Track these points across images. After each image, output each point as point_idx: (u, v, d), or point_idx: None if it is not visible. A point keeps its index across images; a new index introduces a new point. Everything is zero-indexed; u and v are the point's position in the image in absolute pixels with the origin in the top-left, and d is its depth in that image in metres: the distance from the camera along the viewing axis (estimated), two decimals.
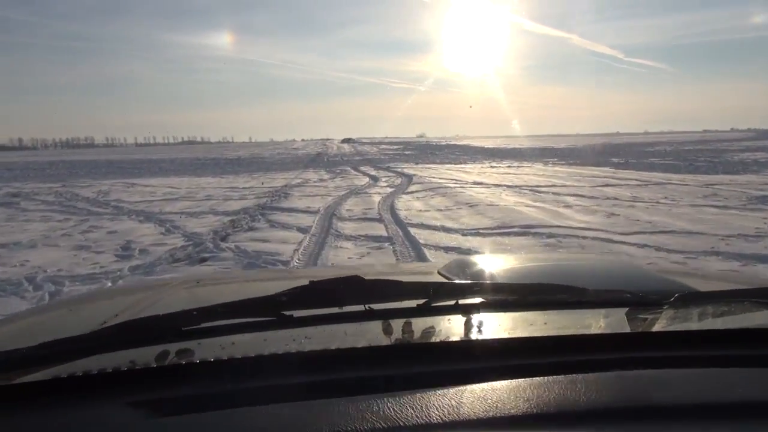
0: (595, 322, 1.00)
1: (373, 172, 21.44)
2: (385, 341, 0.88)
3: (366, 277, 0.97)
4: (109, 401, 0.71)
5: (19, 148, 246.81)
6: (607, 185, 14.37)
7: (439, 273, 1.44)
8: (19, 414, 0.70)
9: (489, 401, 0.67)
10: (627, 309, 1.03)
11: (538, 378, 0.73)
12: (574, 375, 0.73)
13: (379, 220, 9.09)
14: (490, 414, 0.65)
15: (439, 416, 0.64)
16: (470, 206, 10.51)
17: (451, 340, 0.89)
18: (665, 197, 11.45)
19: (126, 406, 0.70)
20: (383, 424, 0.63)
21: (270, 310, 0.93)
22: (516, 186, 14.64)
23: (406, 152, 42.85)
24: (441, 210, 10.16)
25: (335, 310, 0.96)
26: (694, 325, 1.02)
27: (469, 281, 1.22)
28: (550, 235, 7.32)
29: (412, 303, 0.98)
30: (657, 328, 0.97)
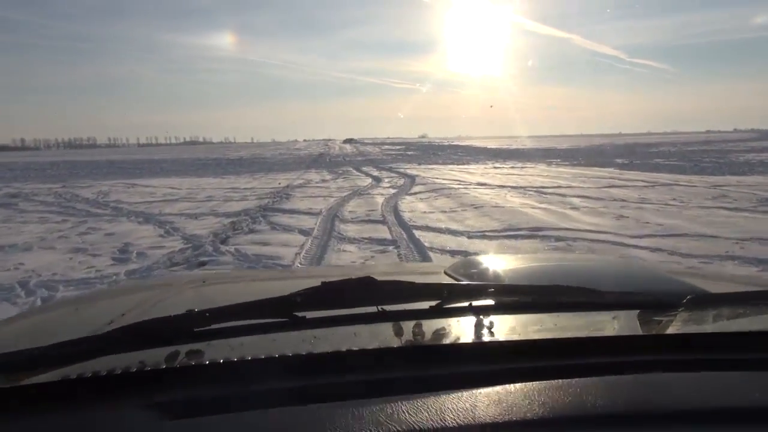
0: (610, 325, 0.99)
1: (375, 173, 21.26)
2: (398, 343, 0.86)
3: (378, 278, 0.96)
4: (121, 403, 0.71)
5: (21, 149, 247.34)
6: (612, 186, 14.17)
7: (445, 273, 1.42)
8: (28, 416, 0.70)
9: (504, 404, 0.67)
10: (641, 311, 1.01)
11: (552, 381, 0.72)
12: (589, 378, 0.73)
13: (383, 222, 8.91)
14: (506, 417, 0.64)
15: (454, 419, 0.63)
16: (475, 208, 10.32)
17: (465, 342, 0.87)
18: (673, 199, 11.25)
19: (138, 408, 0.69)
20: (398, 427, 0.62)
21: (283, 311, 0.92)
22: (520, 187, 14.44)
23: (409, 153, 42.67)
24: (445, 212, 9.97)
25: (348, 311, 0.95)
26: (709, 328, 1.01)
27: (482, 282, 1.20)
28: (559, 239, 7.12)
29: (424, 304, 0.97)
30: (672, 330, 0.95)
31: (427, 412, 0.65)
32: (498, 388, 0.70)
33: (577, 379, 0.72)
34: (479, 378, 0.73)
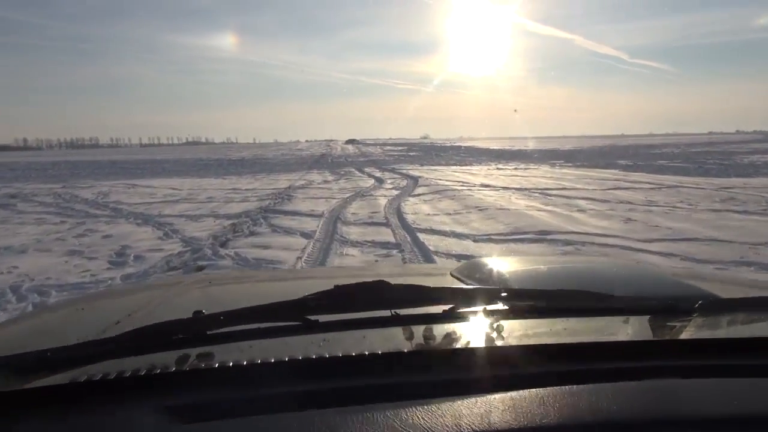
0: (622, 330, 0.99)
1: (378, 174, 21.07)
2: (412, 347, 0.86)
3: (390, 281, 0.95)
4: (132, 407, 0.70)
5: (23, 148, 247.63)
6: (618, 188, 13.99)
7: (452, 275, 1.41)
8: (39, 419, 0.69)
9: (518, 410, 0.66)
10: (653, 316, 1.01)
11: (566, 387, 0.71)
12: (604, 384, 0.72)
13: (386, 224, 8.72)
14: (521, 423, 0.63)
15: (470, 424, 0.63)
16: (480, 210, 10.13)
17: (478, 346, 0.86)
18: (681, 201, 11.06)
19: (150, 411, 0.69)
20: None
21: (296, 315, 0.91)
22: (525, 189, 14.25)
23: (411, 153, 42.48)
24: (450, 214, 9.78)
25: (360, 314, 0.94)
26: (723, 333, 1.00)
27: (495, 287, 1.18)
28: (567, 242, 6.93)
29: (437, 308, 0.97)
30: (685, 336, 0.94)
31: (442, 418, 0.64)
32: (512, 394, 0.69)
33: (591, 385, 0.71)
34: (493, 383, 0.73)
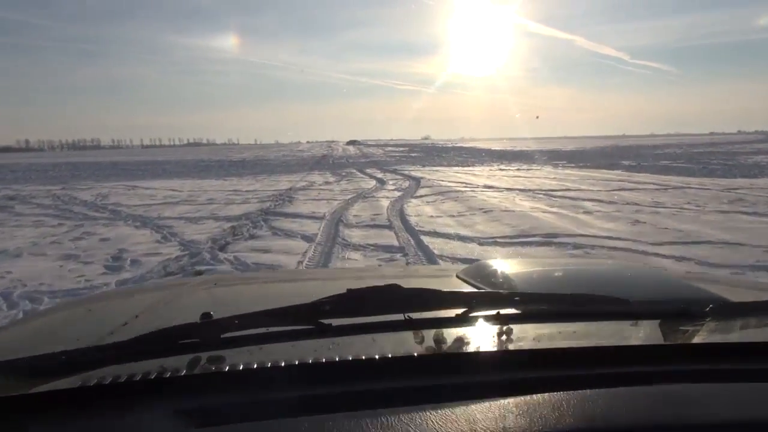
0: (635, 334, 0.98)
1: (379, 175, 20.89)
2: (426, 351, 0.85)
3: (399, 284, 0.95)
4: (143, 410, 0.69)
5: (25, 150, 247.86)
6: (623, 189, 13.81)
7: (458, 277, 1.42)
8: (49, 423, 0.67)
9: (533, 414, 0.65)
10: (666, 320, 1.00)
11: (581, 391, 0.70)
12: (618, 388, 0.72)
13: (389, 227, 8.55)
14: (536, 427, 0.63)
15: (485, 428, 0.63)
16: (484, 212, 9.95)
17: (492, 350, 0.86)
18: (688, 202, 10.88)
19: (161, 415, 0.68)
20: None
21: (309, 319, 0.91)
22: (529, 190, 14.07)
23: (412, 154, 42.31)
24: (453, 216, 9.60)
25: (373, 318, 0.93)
26: (738, 337, 0.99)
27: (508, 291, 1.17)
28: (576, 246, 6.74)
29: (450, 312, 0.96)
30: (699, 340, 0.94)
31: (456, 422, 0.64)
32: (527, 398, 0.69)
33: (605, 389, 0.71)
34: (507, 387, 0.72)
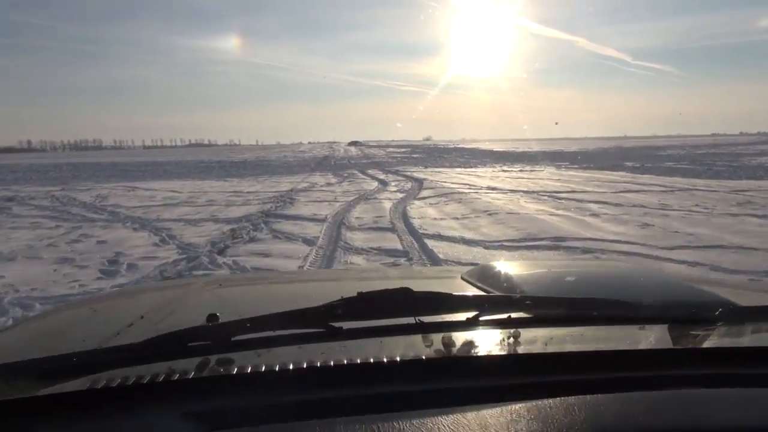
0: (645, 338, 0.97)
1: (381, 176, 20.71)
2: (436, 354, 0.84)
3: (406, 286, 0.93)
4: (152, 413, 0.69)
5: (27, 150, 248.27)
6: (628, 191, 13.61)
7: (462, 279, 1.41)
8: (57, 425, 0.67)
9: (545, 418, 0.65)
10: (678, 324, 0.99)
11: (594, 395, 0.69)
12: (629, 393, 0.71)
13: (392, 229, 8.37)
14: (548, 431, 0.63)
15: None
16: (489, 214, 9.76)
17: (503, 354, 0.84)
18: (696, 205, 10.68)
19: (171, 418, 0.68)
20: None
21: (320, 321, 0.90)
22: (533, 192, 13.88)
23: (414, 155, 42.12)
24: (458, 218, 9.42)
25: (383, 322, 0.92)
26: (749, 342, 0.98)
27: (518, 294, 1.16)
28: (585, 250, 6.56)
29: (461, 316, 0.96)
30: (711, 344, 0.93)
31: (468, 426, 0.63)
32: (539, 402, 0.68)
33: (616, 394, 0.70)
34: (519, 391, 0.71)
